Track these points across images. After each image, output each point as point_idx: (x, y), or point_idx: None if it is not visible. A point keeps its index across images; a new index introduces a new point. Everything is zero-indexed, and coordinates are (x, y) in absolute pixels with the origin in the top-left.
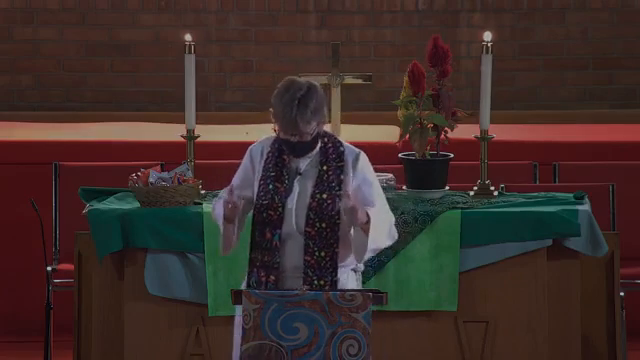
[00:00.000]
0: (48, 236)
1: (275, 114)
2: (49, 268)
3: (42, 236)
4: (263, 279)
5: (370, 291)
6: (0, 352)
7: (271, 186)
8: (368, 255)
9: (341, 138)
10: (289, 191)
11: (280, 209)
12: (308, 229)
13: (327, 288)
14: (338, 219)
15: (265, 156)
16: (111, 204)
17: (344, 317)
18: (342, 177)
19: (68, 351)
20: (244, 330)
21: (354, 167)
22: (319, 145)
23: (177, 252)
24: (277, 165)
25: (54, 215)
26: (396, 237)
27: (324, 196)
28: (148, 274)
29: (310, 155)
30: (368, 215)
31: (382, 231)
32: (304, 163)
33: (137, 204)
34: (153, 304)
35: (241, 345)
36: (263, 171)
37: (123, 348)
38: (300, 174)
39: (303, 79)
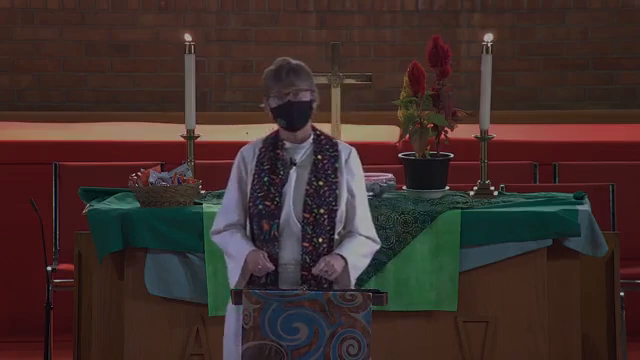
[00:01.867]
0: (48, 236)
1: (267, 84)
2: (49, 268)
3: (42, 236)
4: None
5: (370, 291)
6: (0, 352)
7: (266, 178)
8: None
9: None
10: (285, 181)
11: (277, 199)
12: (306, 215)
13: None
14: (335, 206)
15: (258, 152)
16: (111, 204)
17: (344, 317)
18: (337, 166)
19: (68, 351)
20: (244, 330)
21: (346, 160)
22: (312, 136)
23: (177, 252)
24: (271, 159)
25: (54, 215)
26: (376, 247)
27: (320, 183)
28: (148, 274)
29: (304, 145)
30: (344, 258)
31: (361, 255)
32: (298, 154)
33: (137, 204)
34: (153, 304)
35: (241, 345)
36: (256, 166)
37: (123, 348)
38: (295, 164)
39: None
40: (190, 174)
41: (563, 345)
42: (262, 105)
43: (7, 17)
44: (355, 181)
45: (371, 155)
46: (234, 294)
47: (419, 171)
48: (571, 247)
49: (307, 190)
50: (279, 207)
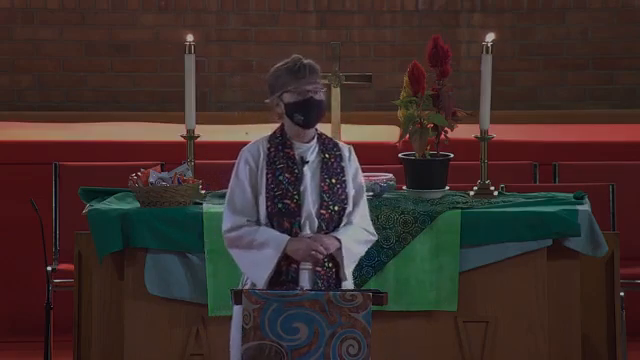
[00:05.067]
0: (48, 236)
1: (283, 79)
2: (49, 268)
3: (42, 236)
4: (284, 268)
5: (370, 291)
6: (0, 352)
7: (281, 177)
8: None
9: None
10: (301, 180)
11: (296, 197)
12: (322, 211)
13: (335, 270)
14: (346, 204)
15: (266, 151)
16: (111, 204)
17: (344, 317)
18: (342, 165)
19: (68, 351)
20: (244, 330)
21: (349, 158)
22: (316, 135)
23: (177, 252)
24: (282, 157)
25: (54, 215)
26: (373, 238)
27: (333, 180)
28: (148, 274)
29: (311, 144)
30: (339, 240)
31: (355, 241)
32: (308, 152)
33: (137, 204)
34: (153, 304)
35: (241, 345)
36: (268, 165)
37: (123, 348)
38: (307, 162)
39: None
40: (190, 174)
41: (563, 345)
42: (267, 101)
43: (7, 17)
44: (358, 177)
45: (371, 155)
46: (234, 294)
47: (419, 171)
48: (571, 247)
49: (322, 187)
50: (299, 205)
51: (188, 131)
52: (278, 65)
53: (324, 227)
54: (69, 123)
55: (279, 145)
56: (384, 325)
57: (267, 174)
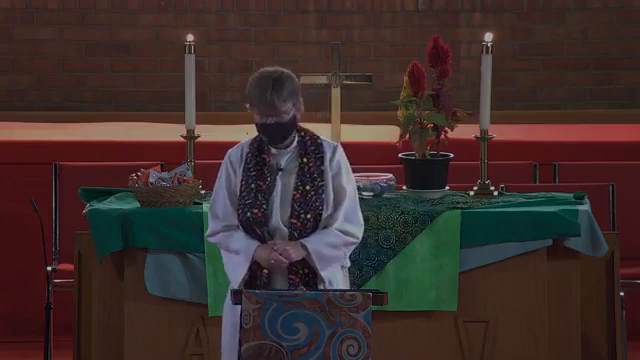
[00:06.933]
0: (48, 236)
1: (251, 98)
2: (49, 268)
3: (42, 236)
4: (257, 273)
5: (370, 291)
6: (0, 352)
7: (253, 185)
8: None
9: (319, 133)
10: (272, 188)
11: (264, 206)
12: (293, 220)
13: (311, 276)
14: (321, 210)
15: (245, 157)
16: (111, 204)
17: (344, 317)
18: (322, 168)
19: (68, 351)
20: (244, 330)
21: (331, 159)
22: (297, 139)
23: (177, 252)
24: (258, 164)
25: (54, 215)
26: (351, 240)
27: (307, 188)
28: (148, 274)
29: (289, 149)
30: (306, 248)
31: (326, 245)
32: (284, 159)
33: (137, 204)
34: (153, 304)
35: (241, 345)
36: (244, 171)
37: (123, 348)
38: (281, 170)
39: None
40: (190, 174)
41: (563, 345)
42: (247, 105)
43: (7, 17)
44: (341, 177)
45: (371, 155)
46: (234, 294)
47: (419, 171)
48: (571, 247)
49: (294, 195)
50: (266, 215)
51: (188, 131)
52: (254, 75)
53: (296, 235)
54: (69, 123)
55: (256, 150)
56: (384, 325)
57: (242, 180)
